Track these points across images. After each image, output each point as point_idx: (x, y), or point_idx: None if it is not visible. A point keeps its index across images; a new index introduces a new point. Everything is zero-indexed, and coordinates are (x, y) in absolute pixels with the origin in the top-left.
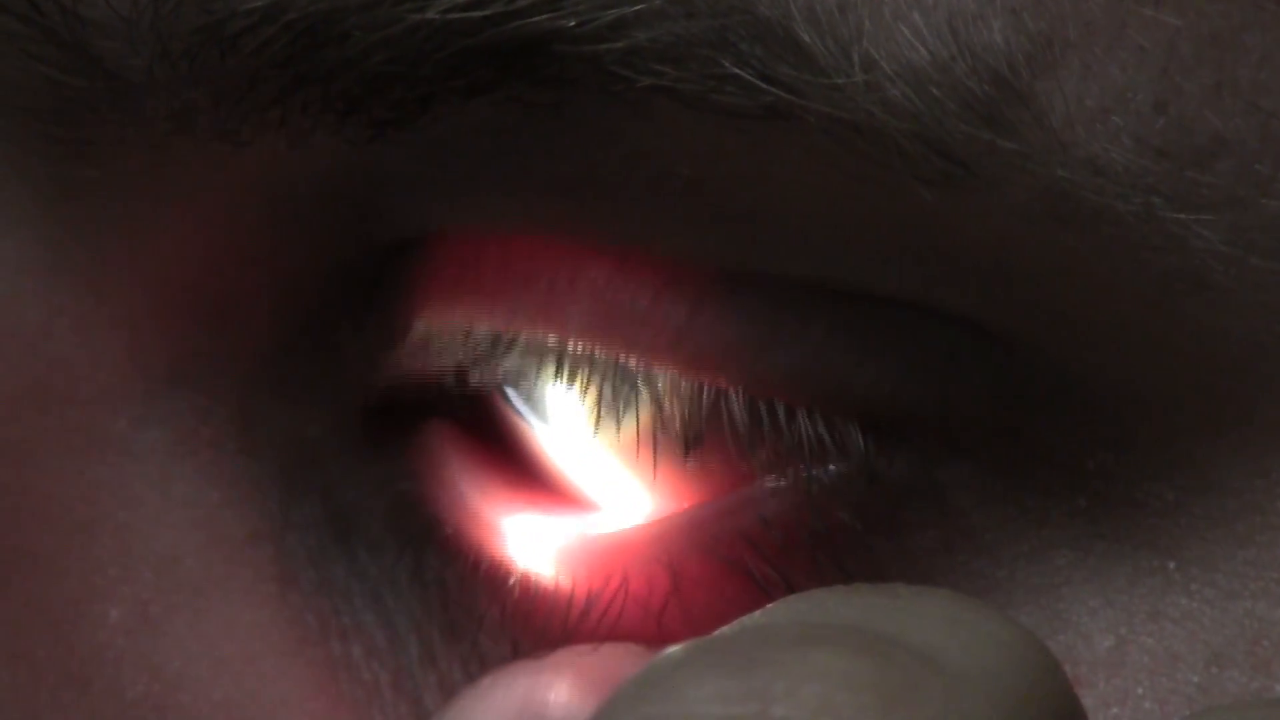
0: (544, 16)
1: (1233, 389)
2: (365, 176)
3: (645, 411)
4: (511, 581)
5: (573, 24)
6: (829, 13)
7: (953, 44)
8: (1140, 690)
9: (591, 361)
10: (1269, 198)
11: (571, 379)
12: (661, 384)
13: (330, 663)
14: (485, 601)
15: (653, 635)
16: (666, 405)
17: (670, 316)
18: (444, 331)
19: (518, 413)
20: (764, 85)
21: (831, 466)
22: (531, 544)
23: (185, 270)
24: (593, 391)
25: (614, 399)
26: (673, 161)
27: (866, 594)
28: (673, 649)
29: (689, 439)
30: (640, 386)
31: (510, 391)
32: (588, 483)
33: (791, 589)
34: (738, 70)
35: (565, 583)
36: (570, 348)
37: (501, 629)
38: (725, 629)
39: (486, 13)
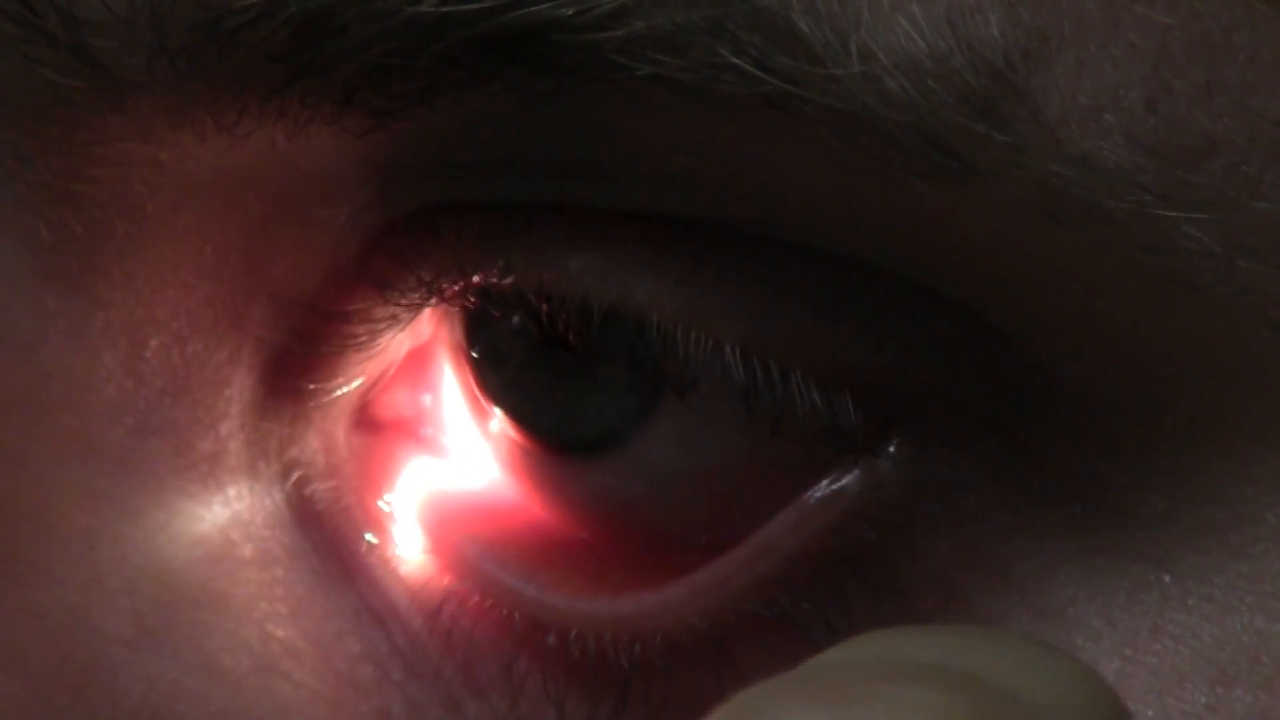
0: (543, 6)
1: (1220, 393)
2: (364, 168)
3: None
4: (548, 640)
5: (571, 13)
6: (828, 2)
7: (950, 37)
8: (1150, 713)
9: (585, 307)
10: (1257, 199)
11: (566, 327)
12: (659, 332)
13: (335, 680)
14: (514, 659)
15: (711, 696)
16: (664, 350)
17: (672, 268)
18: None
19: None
20: (762, 75)
21: (832, 477)
22: (552, 599)
23: (181, 276)
24: (588, 336)
25: (609, 338)
26: (670, 151)
27: (942, 634)
28: (759, 685)
29: (684, 384)
30: (636, 331)
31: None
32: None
33: (829, 626)
34: (736, 60)
35: (603, 645)
36: (570, 294)
37: (545, 694)
38: (807, 664)
39: (484, 4)
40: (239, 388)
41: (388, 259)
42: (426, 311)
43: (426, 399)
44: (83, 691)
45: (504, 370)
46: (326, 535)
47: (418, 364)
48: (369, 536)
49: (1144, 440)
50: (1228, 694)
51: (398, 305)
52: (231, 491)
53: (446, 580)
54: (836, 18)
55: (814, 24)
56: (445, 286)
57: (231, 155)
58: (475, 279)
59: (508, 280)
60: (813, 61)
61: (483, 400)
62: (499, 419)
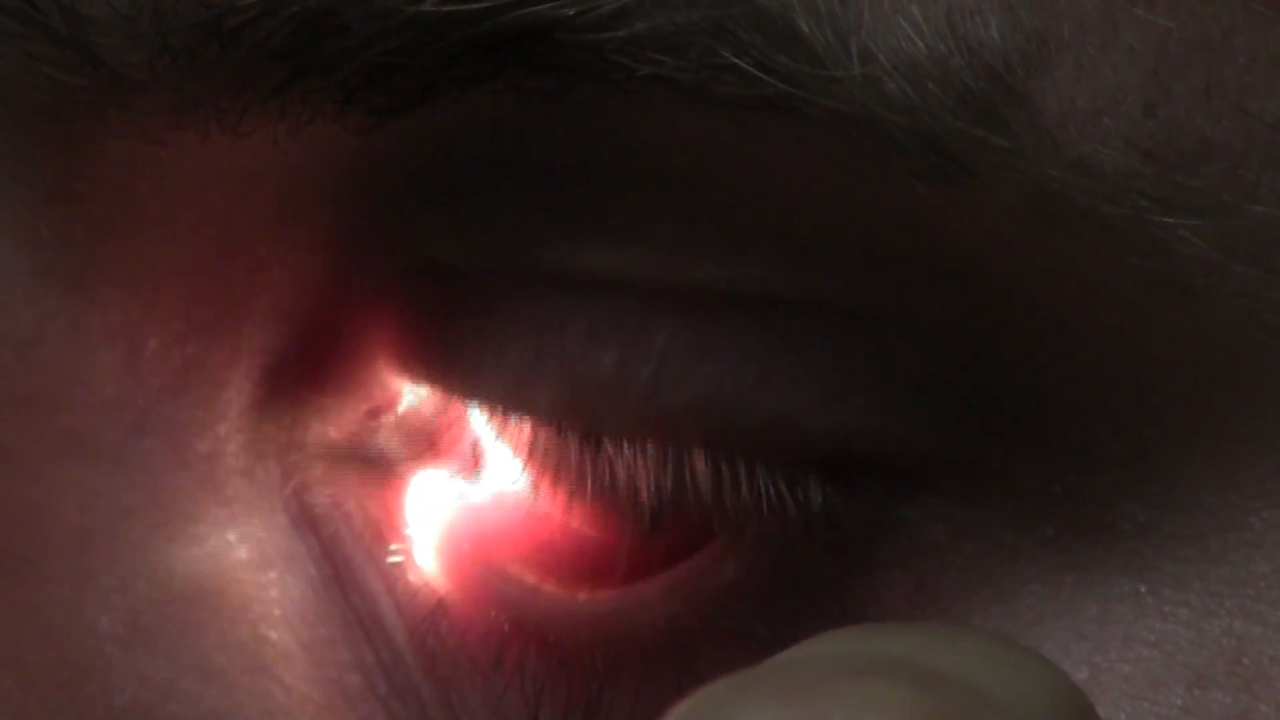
0: (544, 5)
1: (1207, 399)
2: (365, 167)
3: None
4: (523, 651)
5: (572, 12)
6: (829, 3)
7: (950, 39)
8: (1123, 717)
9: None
10: (1254, 203)
11: (535, 461)
12: (626, 452)
13: (326, 686)
14: (496, 672)
15: None
16: (630, 470)
17: (636, 376)
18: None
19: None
20: (762, 76)
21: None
22: (528, 615)
23: (181, 275)
24: (556, 468)
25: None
26: (669, 151)
27: (907, 631)
28: (721, 680)
29: (652, 506)
30: (604, 453)
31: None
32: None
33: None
34: (736, 60)
35: (581, 648)
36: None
37: (523, 704)
38: (772, 660)
39: (485, 4)
40: (238, 389)
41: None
42: None
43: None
44: (76, 689)
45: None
46: (322, 541)
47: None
48: (363, 545)
49: (1128, 449)
50: (1205, 696)
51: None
52: (229, 492)
53: (436, 589)
54: (837, 19)
55: (815, 25)
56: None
57: (232, 154)
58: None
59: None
60: (813, 63)
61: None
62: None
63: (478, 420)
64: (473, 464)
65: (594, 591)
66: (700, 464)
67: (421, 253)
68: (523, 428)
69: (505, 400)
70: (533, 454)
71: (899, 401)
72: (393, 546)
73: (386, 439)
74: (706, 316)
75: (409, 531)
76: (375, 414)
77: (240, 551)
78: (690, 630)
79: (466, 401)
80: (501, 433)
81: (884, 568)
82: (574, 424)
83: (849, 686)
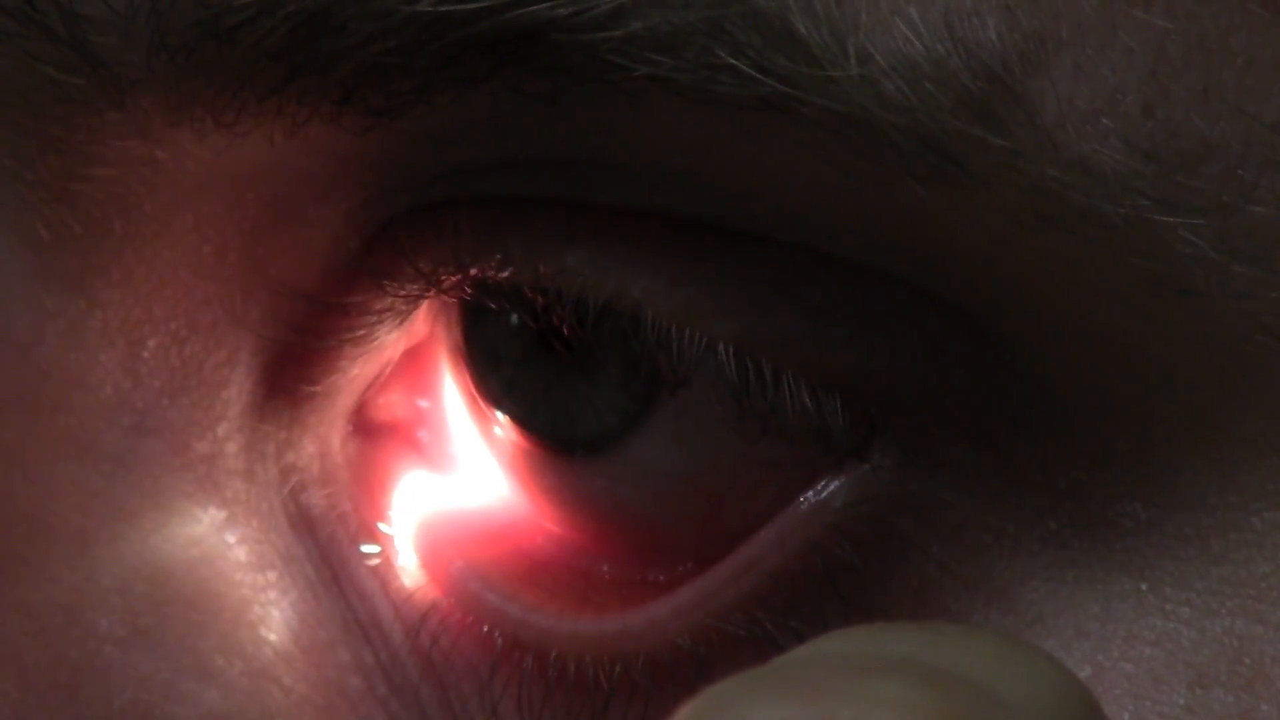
0: (540, 6)
1: (1209, 399)
2: (362, 166)
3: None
4: (526, 661)
5: (568, 13)
6: (826, 4)
7: (948, 39)
8: (1126, 716)
9: (581, 301)
10: (1253, 203)
11: (561, 321)
12: (653, 330)
13: (325, 688)
14: (490, 681)
15: None
16: (658, 346)
17: (668, 265)
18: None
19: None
20: (759, 76)
21: (816, 489)
22: (535, 619)
23: (180, 276)
24: (583, 331)
25: (604, 334)
26: (667, 151)
27: (915, 630)
28: (727, 680)
29: (677, 381)
30: (631, 328)
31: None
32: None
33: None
34: (733, 60)
35: (583, 666)
36: (566, 288)
37: (519, 713)
38: (779, 659)
39: (482, 3)
40: (237, 389)
41: (387, 250)
42: (422, 312)
43: (423, 403)
44: (75, 690)
45: (502, 370)
46: (320, 542)
47: (414, 367)
48: (361, 546)
49: (1130, 448)
50: (1206, 695)
51: (396, 296)
52: (228, 494)
53: (431, 595)
54: (834, 20)
55: (812, 25)
56: (443, 278)
57: (229, 154)
58: (473, 271)
59: (505, 273)
60: (810, 63)
61: (481, 402)
62: (498, 420)
63: (472, 426)
64: (465, 471)
65: (597, 613)
66: (726, 356)
67: (421, 254)
68: (515, 438)
69: (532, 261)
70: (528, 463)
71: (921, 354)
72: (380, 548)
73: (382, 441)
74: (732, 245)
75: (404, 535)
76: (372, 414)
77: (239, 553)
78: (708, 643)
79: (459, 407)
80: (493, 440)
81: (899, 557)
82: (601, 289)
83: (857, 685)
